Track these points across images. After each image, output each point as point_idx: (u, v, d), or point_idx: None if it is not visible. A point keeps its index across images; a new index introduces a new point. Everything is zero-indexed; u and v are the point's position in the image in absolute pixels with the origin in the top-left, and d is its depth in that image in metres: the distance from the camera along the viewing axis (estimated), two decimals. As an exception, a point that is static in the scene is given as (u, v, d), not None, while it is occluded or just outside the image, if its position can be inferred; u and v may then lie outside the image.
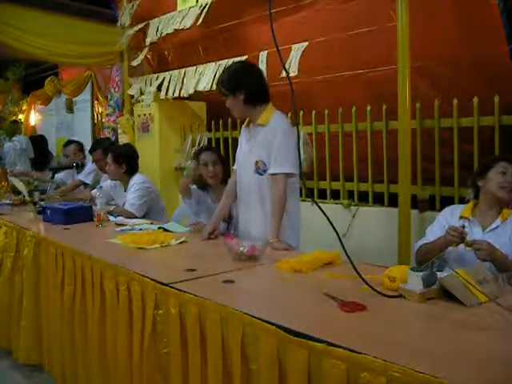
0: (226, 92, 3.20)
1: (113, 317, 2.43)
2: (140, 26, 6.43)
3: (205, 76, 5.55)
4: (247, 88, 3.16)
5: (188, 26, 5.59)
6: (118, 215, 4.21)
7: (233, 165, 3.54)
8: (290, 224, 3.17)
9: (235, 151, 5.80)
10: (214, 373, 1.81)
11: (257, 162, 3.19)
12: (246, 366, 1.70)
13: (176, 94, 5.94)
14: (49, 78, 9.70)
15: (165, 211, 4.61)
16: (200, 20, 5.45)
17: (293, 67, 4.65)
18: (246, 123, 3.35)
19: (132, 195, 4.38)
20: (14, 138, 8.91)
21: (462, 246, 2.52)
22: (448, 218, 2.88)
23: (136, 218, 4.18)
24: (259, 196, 3.22)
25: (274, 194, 3.08)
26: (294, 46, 4.72)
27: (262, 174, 3.18)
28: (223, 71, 3.38)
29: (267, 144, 3.12)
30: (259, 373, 1.64)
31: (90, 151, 5.43)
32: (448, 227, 2.58)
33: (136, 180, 4.46)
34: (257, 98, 3.19)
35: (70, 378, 2.92)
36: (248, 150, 3.28)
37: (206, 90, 5.49)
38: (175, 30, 5.80)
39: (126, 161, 4.49)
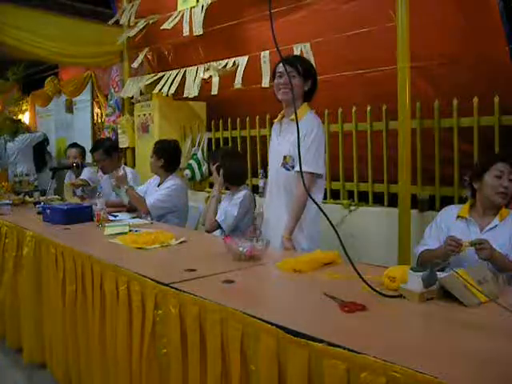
0: (301, 70, 3.16)
1: (113, 317, 2.43)
2: (140, 25, 6.44)
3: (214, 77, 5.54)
4: (314, 82, 3.24)
5: (197, 32, 5.63)
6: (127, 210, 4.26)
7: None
8: (304, 226, 3.18)
9: (235, 151, 5.78)
10: (213, 373, 1.80)
11: (285, 157, 3.20)
12: (245, 367, 1.70)
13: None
14: (49, 78, 9.69)
15: (184, 217, 4.60)
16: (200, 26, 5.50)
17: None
18: (278, 117, 3.36)
19: (160, 195, 4.38)
20: (16, 138, 8.91)
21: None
22: (445, 218, 2.88)
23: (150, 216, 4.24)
24: (283, 190, 3.24)
25: (296, 192, 3.10)
26: (295, 46, 4.72)
27: (288, 170, 3.19)
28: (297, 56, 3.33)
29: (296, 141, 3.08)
30: (259, 373, 1.64)
31: (91, 151, 5.44)
32: (447, 237, 2.58)
33: (173, 182, 4.46)
34: (311, 94, 3.27)
35: (72, 377, 2.92)
36: (277, 143, 3.31)
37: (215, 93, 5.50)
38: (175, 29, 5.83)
39: (165, 155, 4.50)
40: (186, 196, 4.57)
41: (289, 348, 1.53)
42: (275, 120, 3.41)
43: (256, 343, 1.65)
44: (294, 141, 3.08)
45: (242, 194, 3.86)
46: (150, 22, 6.27)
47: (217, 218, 3.74)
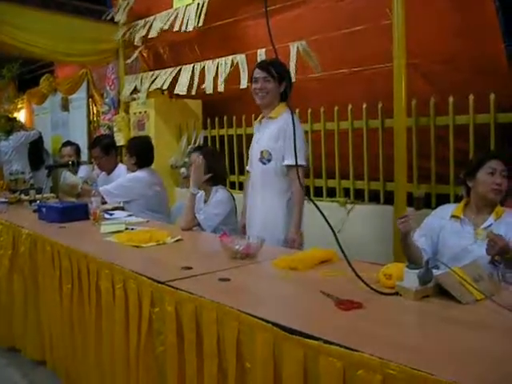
0: (275, 74, 3.27)
1: (109, 315, 2.43)
2: (139, 23, 6.42)
3: (208, 75, 5.54)
4: (289, 82, 3.34)
5: (190, 28, 5.61)
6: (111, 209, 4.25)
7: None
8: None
9: (231, 149, 5.83)
10: (209, 370, 1.81)
11: (262, 152, 3.33)
12: (241, 364, 1.70)
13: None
14: (44, 76, 9.65)
15: (165, 213, 4.55)
16: (200, 22, 5.48)
17: (315, 64, 4.72)
18: (258, 119, 3.49)
19: (115, 182, 4.48)
20: (10, 137, 8.86)
21: (461, 243, 2.56)
22: (438, 217, 2.86)
23: (105, 202, 4.29)
24: (261, 184, 3.37)
25: (294, 186, 3.21)
26: (292, 44, 4.72)
27: (265, 164, 3.31)
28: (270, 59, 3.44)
29: (276, 135, 3.24)
30: (255, 370, 1.64)
31: (90, 148, 5.43)
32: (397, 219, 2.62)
33: (134, 174, 4.47)
34: (287, 95, 3.32)
35: (73, 374, 2.92)
36: (256, 141, 3.45)
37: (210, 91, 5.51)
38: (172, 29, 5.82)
39: (137, 153, 4.51)
40: (148, 188, 4.44)
41: (285, 346, 1.53)
42: (255, 122, 3.56)
43: (252, 341, 1.65)
44: (270, 135, 3.30)
45: (222, 193, 3.75)
46: (147, 29, 6.23)
47: (197, 216, 3.59)
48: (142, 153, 4.53)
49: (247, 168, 3.68)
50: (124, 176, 4.83)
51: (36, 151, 9.01)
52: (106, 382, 2.52)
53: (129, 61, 6.65)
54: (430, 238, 2.80)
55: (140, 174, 4.46)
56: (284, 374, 1.53)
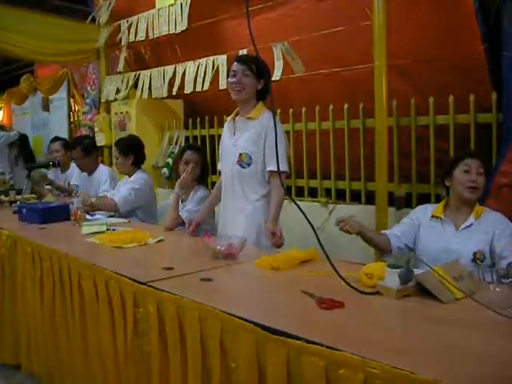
0: (254, 69, 3.12)
1: (94, 315, 2.42)
2: (122, 23, 6.39)
3: (188, 76, 5.54)
4: (267, 81, 3.17)
5: (179, 30, 5.60)
6: (97, 210, 4.17)
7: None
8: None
9: (212, 149, 5.81)
10: (193, 371, 1.80)
11: (241, 155, 3.16)
12: (225, 364, 1.70)
13: (159, 95, 5.97)
14: (24, 76, 9.58)
15: (156, 218, 4.49)
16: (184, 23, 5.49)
17: (298, 66, 4.72)
18: (231, 116, 3.32)
19: (126, 188, 4.30)
20: None
21: (442, 243, 2.59)
22: (420, 217, 2.87)
23: (117, 210, 4.16)
24: (238, 189, 3.21)
25: (276, 191, 3.08)
26: (275, 45, 4.72)
27: (244, 167, 3.15)
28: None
29: (256, 139, 3.11)
30: (239, 370, 1.64)
31: (70, 149, 5.36)
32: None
33: (139, 176, 4.36)
34: (265, 94, 3.19)
35: (55, 378, 2.89)
36: (232, 142, 3.25)
37: (190, 91, 5.51)
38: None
39: (134, 151, 4.43)
40: (152, 191, 4.48)
41: (268, 345, 1.53)
42: (228, 118, 3.38)
43: (235, 341, 1.65)
44: (250, 138, 3.14)
45: (203, 191, 3.76)
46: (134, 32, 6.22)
47: (181, 215, 3.58)
48: (137, 151, 4.47)
49: (219, 167, 3.46)
50: (109, 177, 4.80)
51: (23, 152, 8.92)
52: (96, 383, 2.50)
53: (120, 68, 6.58)
54: (409, 225, 2.83)
55: (144, 174, 4.40)
56: (268, 373, 1.53)
